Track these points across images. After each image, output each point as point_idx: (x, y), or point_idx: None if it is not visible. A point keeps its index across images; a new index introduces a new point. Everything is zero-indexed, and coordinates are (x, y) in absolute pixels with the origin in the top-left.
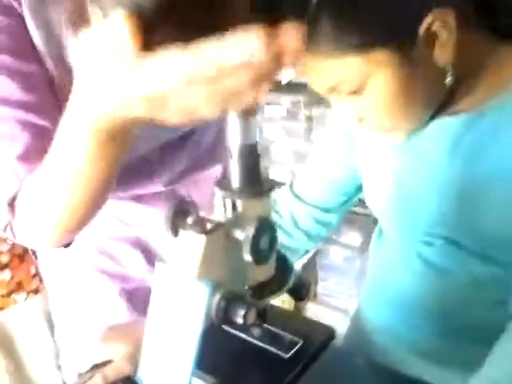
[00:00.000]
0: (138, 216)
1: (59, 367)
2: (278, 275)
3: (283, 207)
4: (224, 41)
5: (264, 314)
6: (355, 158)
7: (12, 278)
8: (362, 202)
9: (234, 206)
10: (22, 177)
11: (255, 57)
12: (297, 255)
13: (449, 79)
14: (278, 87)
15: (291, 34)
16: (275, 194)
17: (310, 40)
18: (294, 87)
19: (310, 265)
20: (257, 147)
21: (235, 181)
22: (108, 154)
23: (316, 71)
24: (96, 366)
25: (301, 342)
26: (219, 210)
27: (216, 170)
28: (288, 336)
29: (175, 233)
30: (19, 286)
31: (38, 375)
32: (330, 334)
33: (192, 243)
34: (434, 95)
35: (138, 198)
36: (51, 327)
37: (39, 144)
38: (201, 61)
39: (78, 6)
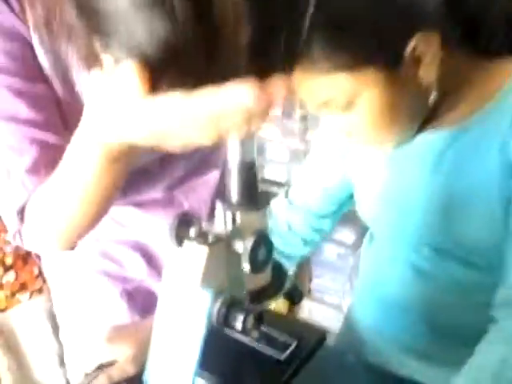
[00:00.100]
0: (137, 220)
1: (62, 366)
2: (274, 281)
3: (279, 214)
4: (221, 90)
5: (261, 318)
6: (347, 168)
7: (16, 278)
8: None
9: (234, 219)
10: (31, 188)
11: (248, 105)
12: (293, 260)
13: (433, 96)
14: None
15: (279, 86)
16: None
17: (302, 59)
18: None
19: (305, 262)
20: (254, 164)
21: (234, 195)
22: (113, 173)
23: (307, 88)
24: (101, 367)
25: (295, 344)
26: (220, 222)
27: (212, 176)
28: (283, 338)
29: (179, 243)
30: (23, 287)
31: (41, 374)
32: (321, 335)
33: (195, 254)
34: (419, 111)
35: (138, 204)
36: (54, 326)
37: (46, 158)
38: (200, 106)
39: (87, 44)
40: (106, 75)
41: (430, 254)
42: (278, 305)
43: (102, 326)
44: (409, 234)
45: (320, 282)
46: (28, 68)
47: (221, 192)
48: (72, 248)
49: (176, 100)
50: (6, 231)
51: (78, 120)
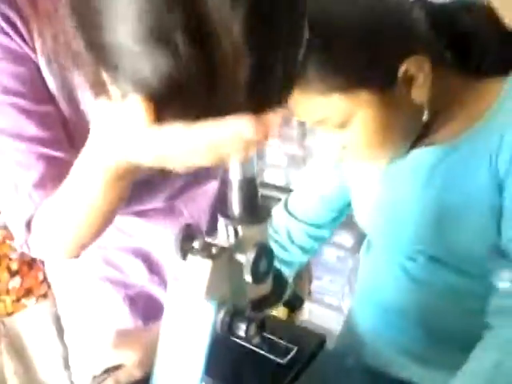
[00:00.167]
0: (139, 229)
1: (67, 369)
2: (275, 290)
3: (279, 223)
4: (221, 122)
5: (263, 325)
6: (344, 176)
7: (22, 284)
8: None
9: (236, 232)
10: (38, 201)
11: (246, 136)
12: (292, 267)
13: (425, 116)
14: None
15: (274, 119)
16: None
17: (299, 80)
18: None
19: (306, 264)
20: (255, 180)
21: (236, 210)
22: (118, 189)
23: (304, 107)
24: (108, 370)
25: (295, 349)
26: (222, 235)
27: (211, 186)
28: (284, 343)
29: (184, 256)
30: (29, 292)
31: (46, 377)
32: (321, 340)
33: (199, 267)
34: (412, 130)
35: (140, 213)
36: (59, 330)
37: (52, 173)
38: (201, 136)
39: (95, 73)
40: (112, 103)
41: (424, 262)
42: (277, 310)
43: (106, 330)
44: (403, 243)
45: (320, 283)
46: (36, 89)
47: (220, 202)
48: (77, 256)
49: (179, 130)
50: (11, 238)
51: (83, 136)
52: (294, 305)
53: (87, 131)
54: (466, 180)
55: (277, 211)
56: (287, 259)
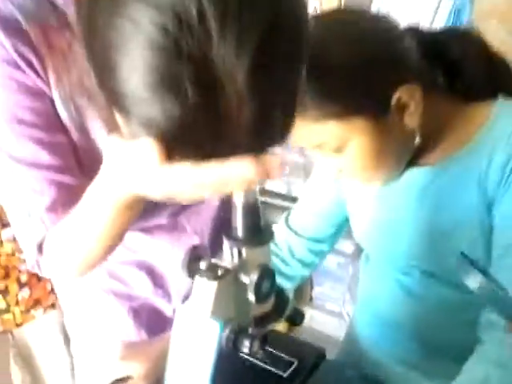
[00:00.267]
0: (144, 244)
1: (74, 378)
2: (277, 307)
3: (280, 238)
4: (226, 164)
5: (265, 340)
6: (342, 193)
7: (30, 295)
8: None
9: (240, 254)
10: (49, 225)
11: (248, 176)
12: (293, 280)
13: (417, 140)
14: None
15: (275, 161)
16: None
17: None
18: None
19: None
20: (258, 203)
21: (240, 232)
22: (126, 217)
23: (300, 134)
24: (116, 382)
25: (296, 363)
26: (227, 257)
27: (213, 201)
28: (285, 357)
29: (191, 275)
30: (37, 302)
31: None
32: (321, 353)
33: (206, 287)
34: (405, 153)
35: (144, 229)
36: (67, 340)
37: (64, 198)
38: (208, 175)
39: (108, 111)
40: (124, 140)
41: (418, 277)
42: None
43: (111, 341)
44: (398, 258)
45: (321, 290)
46: (49, 121)
47: (222, 216)
48: (86, 274)
49: (187, 169)
50: (20, 251)
51: (93, 163)
52: (295, 320)
53: (97, 158)
54: (456, 200)
55: (278, 227)
56: (288, 273)
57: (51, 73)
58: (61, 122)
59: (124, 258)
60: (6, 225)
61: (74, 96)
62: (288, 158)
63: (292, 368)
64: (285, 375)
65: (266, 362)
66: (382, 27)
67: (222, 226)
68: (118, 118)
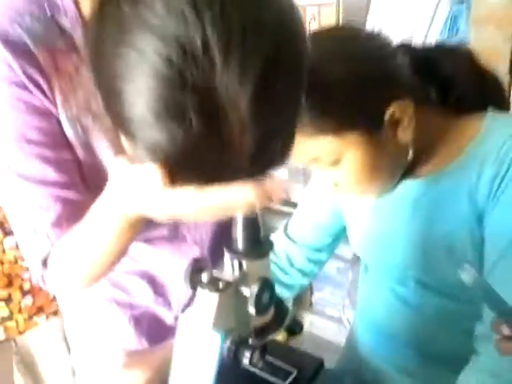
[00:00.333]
0: (145, 254)
1: None
2: (276, 318)
3: (279, 248)
4: (228, 188)
5: (265, 350)
6: (339, 204)
7: (33, 302)
8: None
9: (241, 267)
10: (54, 240)
11: (250, 200)
12: (293, 289)
13: (410, 154)
14: None
15: (276, 186)
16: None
17: None
18: None
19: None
20: (257, 219)
21: (240, 246)
22: (129, 234)
23: (297, 148)
24: None
25: (295, 372)
26: (228, 269)
27: None
28: (285, 367)
29: (192, 287)
30: (40, 310)
31: None
32: (319, 364)
33: (207, 300)
34: (398, 167)
35: (146, 240)
36: (69, 346)
37: (69, 213)
38: (210, 199)
39: (114, 134)
40: (129, 163)
41: (414, 287)
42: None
43: (112, 349)
44: (393, 269)
45: (321, 295)
46: (56, 139)
47: (221, 226)
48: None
49: (191, 192)
50: (23, 259)
51: (97, 179)
52: (295, 329)
53: (101, 175)
54: (447, 212)
55: (276, 236)
56: (288, 282)
57: (58, 94)
58: (67, 139)
59: (126, 267)
60: (8, 233)
61: (80, 116)
62: (287, 163)
63: (291, 377)
64: None
65: (266, 372)
66: (375, 45)
67: (221, 235)
68: (124, 140)
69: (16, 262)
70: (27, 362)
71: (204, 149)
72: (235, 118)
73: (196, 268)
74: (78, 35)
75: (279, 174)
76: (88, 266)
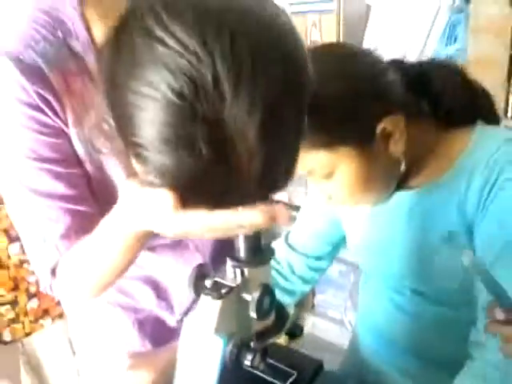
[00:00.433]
0: (149, 261)
1: None
2: (277, 322)
3: (281, 256)
4: (236, 212)
5: (266, 352)
6: (337, 213)
7: (39, 305)
8: None
9: (243, 273)
10: (63, 251)
11: (257, 222)
12: (294, 296)
13: (402, 166)
14: None
15: (282, 210)
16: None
17: None
18: None
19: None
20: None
21: (242, 253)
22: (136, 248)
23: None
24: None
25: (295, 374)
26: (230, 276)
27: None
28: (285, 368)
29: (196, 293)
30: (45, 313)
31: None
32: (318, 366)
33: (210, 305)
34: (391, 179)
35: (150, 248)
36: (73, 348)
37: (77, 225)
38: (219, 221)
39: (125, 156)
40: (140, 185)
41: (410, 296)
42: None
43: (116, 351)
44: (389, 277)
45: (323, 297)
46: (66, 155)
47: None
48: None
49: (199, 214)
50: (28, 262)
51: (105, 193)
52: (295, 333)
53: (109, 189)
54: (439, 222)
55: (278, 244)
56: (289, 288)
57: (70, 113)
58: (77, 156)
59: (130, 273)
60: (13, 240)
61: (91, 136)
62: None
63: (292, 379)
64: None
65: (266, 374)
66: (367, 62)
67: (223, 243)
68: (134, 162)
69: (21, 265)
70: (33, 363)
71: (212, 175)
72: (243, 147)
73: (200, 274)
74: (90, 58)
75: None
76: (96, 277)
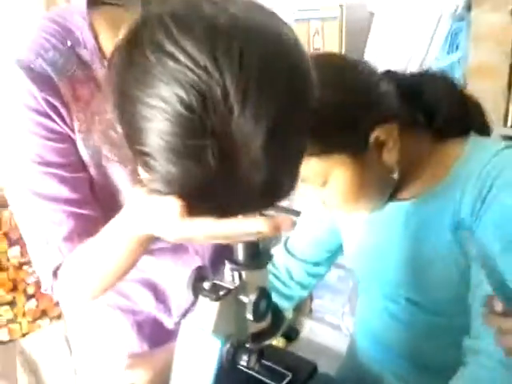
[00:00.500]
0: (148, 264)
1: None
2: (273, 324)
3: (279, 261)
4: (241, 220)
5: (261, 354)
6: (335, 221)
7: (37, 306)
8: None
9: (240, 276)
10: (65, 253)
11: (261, 232)
12: (292, 300)
13: (395, 175)
14: None
15: (285, 221)
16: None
17: None
18: None
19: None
20: None
21: (240, 257)
22: (138, 251)
23: None
24: None
25: (290, 375)
26: (228, 279)
27: None
28: (280, 370)
29: (195, 294)
30: (43, 313)
31: None
32: (313, 368)
33: (208, 307)
34: (385, 187)
35: (150, 251)
36: (70, 348)
37: (80, 228)
38: (224, 229)
39: (132, 165)
40: (147, 194)
41: (404, 305)
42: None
43: (114, 353)
44: (384, 286)
45: (321, 302)
46: (72, 161)
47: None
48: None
49: (205, 222)
50: (29, 264)
51: (108, 197)
52: (291, 335)
53: (112, 193)
54: (433, 232)
55: (277, 250)
56: (287, 293)
57: (76, 120)
58: (82, 161)
59: (130, 276)
60: (13, 243)
61: (96, 142)
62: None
63: (286, 380)
64: None
65: (262, 375)
66: (361, 72)
67: (222, 247)
68: (141, 170)
69: (21, 267)
70: (30, 363)
71: (218, 185)
72: (249, 158)
73: (198, 276)
74: (97, 66)
75: None
76: (98, 279)
